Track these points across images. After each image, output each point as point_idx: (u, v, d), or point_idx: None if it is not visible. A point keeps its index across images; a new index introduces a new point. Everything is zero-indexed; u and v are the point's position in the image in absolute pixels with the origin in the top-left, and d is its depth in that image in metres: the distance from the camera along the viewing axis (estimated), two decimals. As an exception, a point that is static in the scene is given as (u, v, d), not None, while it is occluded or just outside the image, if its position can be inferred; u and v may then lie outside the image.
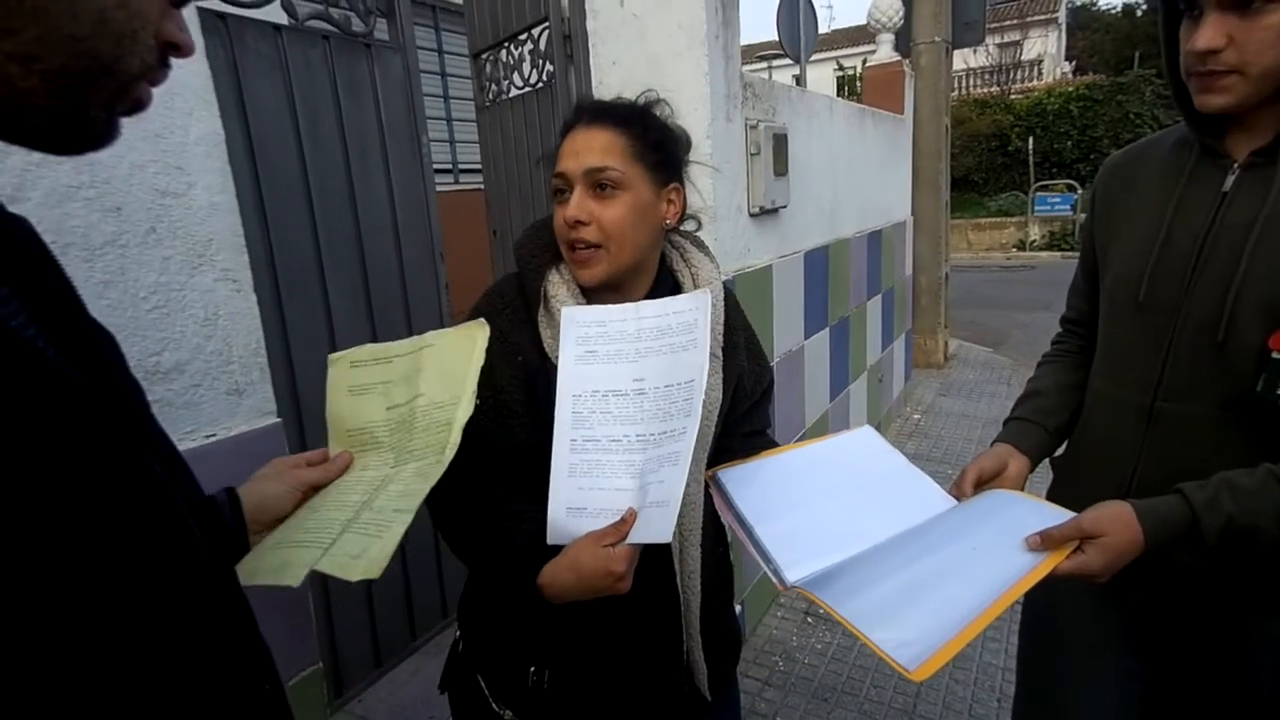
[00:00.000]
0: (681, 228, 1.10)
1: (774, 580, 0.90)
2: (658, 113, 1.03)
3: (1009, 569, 0.85)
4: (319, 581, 1.76)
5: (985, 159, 16.75)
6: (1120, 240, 1.03)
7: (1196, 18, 0.85)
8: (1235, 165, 0.92)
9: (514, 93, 2.50)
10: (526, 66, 2.38)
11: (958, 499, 1.03)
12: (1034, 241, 12.71)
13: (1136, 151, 1.08)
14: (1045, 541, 0.86)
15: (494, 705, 1.03)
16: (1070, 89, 17.16)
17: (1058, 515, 0.90)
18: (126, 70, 0.38)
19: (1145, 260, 0.97)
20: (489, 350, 0.99)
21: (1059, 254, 12.04)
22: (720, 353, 1.06)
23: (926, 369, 5.57)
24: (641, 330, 0.91)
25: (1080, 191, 12.58)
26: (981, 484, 1.04)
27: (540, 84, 2.32)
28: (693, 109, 2.06)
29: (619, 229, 0.95)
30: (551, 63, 2.22)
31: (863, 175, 3.67)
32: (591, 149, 0.95)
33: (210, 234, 1.06)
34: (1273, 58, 0.82)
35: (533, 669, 1.00)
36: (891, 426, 4.46)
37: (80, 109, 0.37)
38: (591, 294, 1.01)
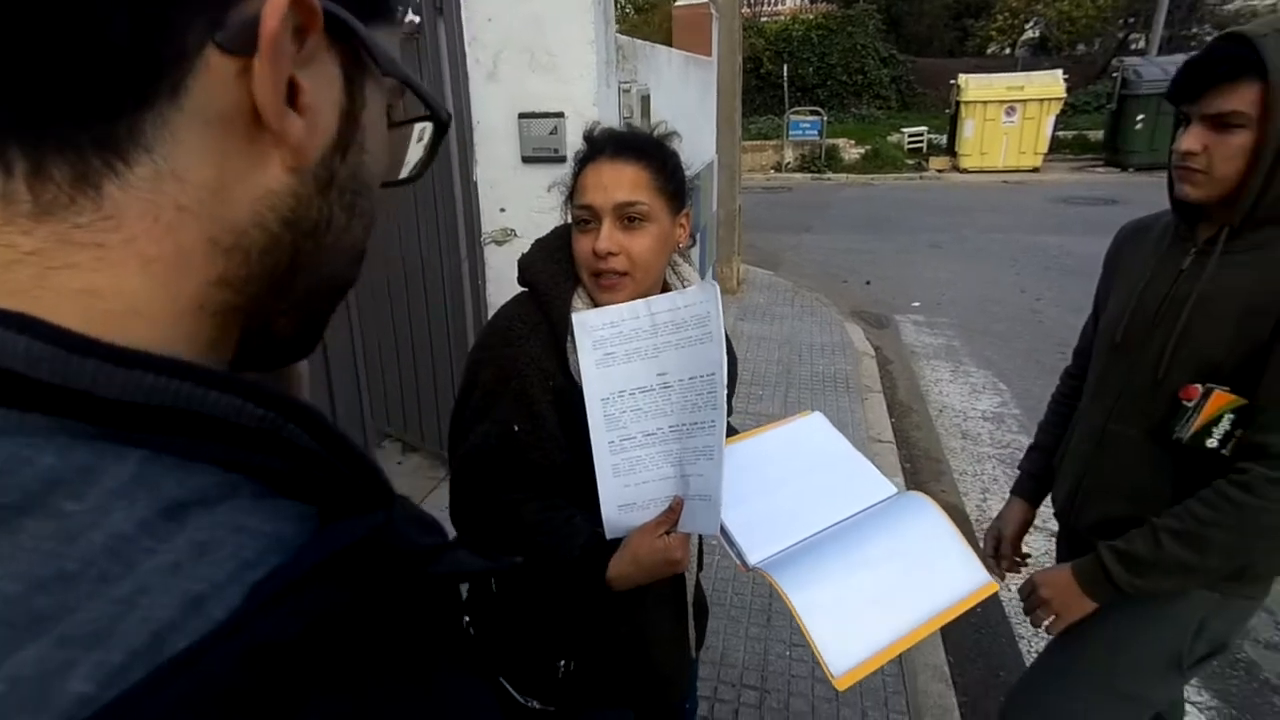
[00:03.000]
0: None
1: (737, 561, 1.04)
2: (671, 145, 1.07)
3: (935, 601, 0.97)
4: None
5: (742, 82, 17.86)
6: (1114, 295, 1.29)
7: (1186, 125, 1.11)
8: (1193, 250, 1.16)
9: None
10: (373, 6, 2.12)
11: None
12: (789, 164, 14.07)
13: (1140, 224, 1.33)
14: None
15: (519, 698, 1.12)
16: (811, 17, 18.77)
17: (973, 565, 1.03)
18: (353, 281, 0.38)
19: (1124, 312, 1.23)
20: (525, 378, 1.01)
21: (809, 176, 13.51)
22: None
23: (724, 295, 6.10)
24: (656, 326, 0.96)
25: (824, 116, 14.07)
26: (1009, 540, 1.37)
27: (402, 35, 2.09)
28: (579, 76, 2.02)
29: (646, 259, 1.01)
30: (416, 13, 2.01)
31: (689, 121, 3.83)
32: (620, 184, 0.98)
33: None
34: (1233, 168, 1.06)
35: (562, 662, 1.10)
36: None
37: (317, 331, 0.37)
38: None
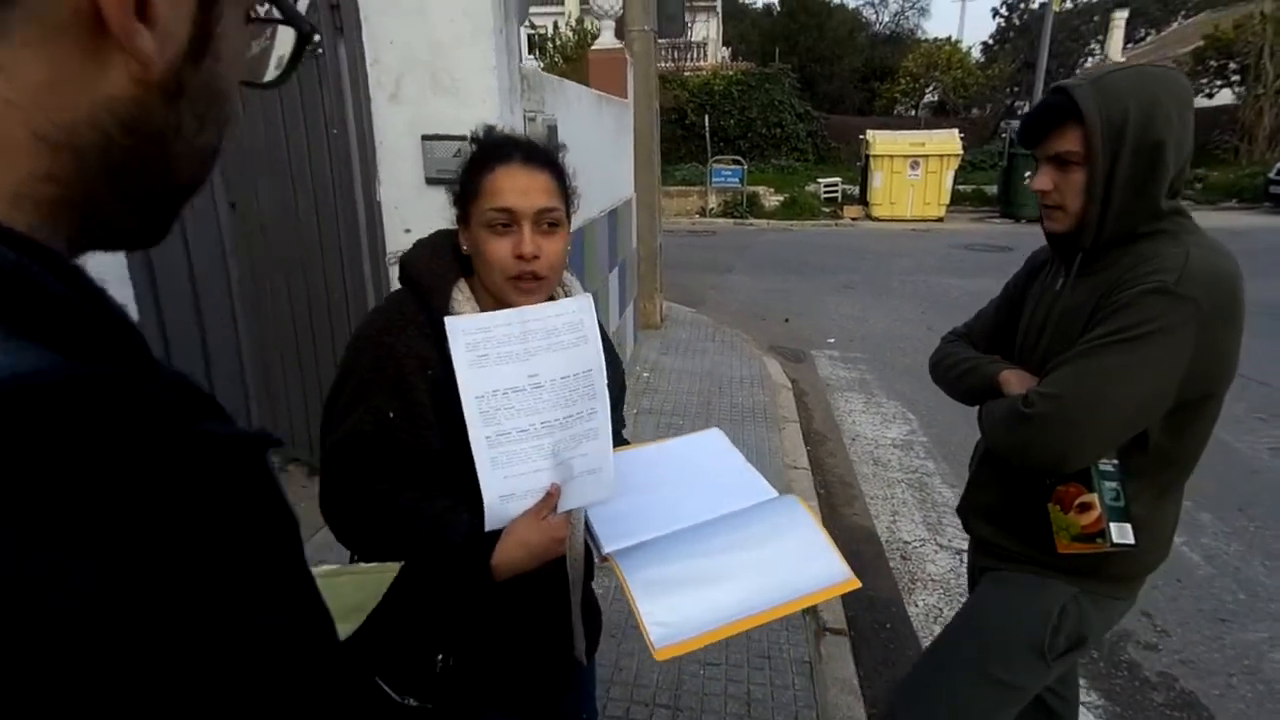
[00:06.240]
0: None
1: (595, 552, 1.08)
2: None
3: (782, 591, 0.97)
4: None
5: (666, 130, 18.49)
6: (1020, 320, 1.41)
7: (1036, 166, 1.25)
8: (1061, 276, 1.29)
9: (253, 53, 2.19)
10: (274, 27, 2.11)
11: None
12: (712, 209, 14.54)
13: (1047, 254, 1.42)
14: None
15: (396, 697, 1.11)
16: (731, 73, 19.71)
17: (833, 561, 1.03)
18: (203, 181, 0.37)
19: (1019, 335, 1.38)
20: (402, 365, 1.01)
21: (732, 221, 13.98)
22: None
23: (647, 330, 6.19)
24: (528, 332, 1.00)
25: (745, 165, 14.67)
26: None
27: (297, 51, 2.09)
28: (480, 102, 2.06)
29: (560, 261, 1.07)
30: (316, 31, 2.01)
31: (603, 158, 3.93)
32: (539, 190, 1.03)
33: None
34: (1078, 200, 1.18)
35: (440, 656, 1.09)
36: (627, 387, 4.91)
37: (165, 225, 0.37)
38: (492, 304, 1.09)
